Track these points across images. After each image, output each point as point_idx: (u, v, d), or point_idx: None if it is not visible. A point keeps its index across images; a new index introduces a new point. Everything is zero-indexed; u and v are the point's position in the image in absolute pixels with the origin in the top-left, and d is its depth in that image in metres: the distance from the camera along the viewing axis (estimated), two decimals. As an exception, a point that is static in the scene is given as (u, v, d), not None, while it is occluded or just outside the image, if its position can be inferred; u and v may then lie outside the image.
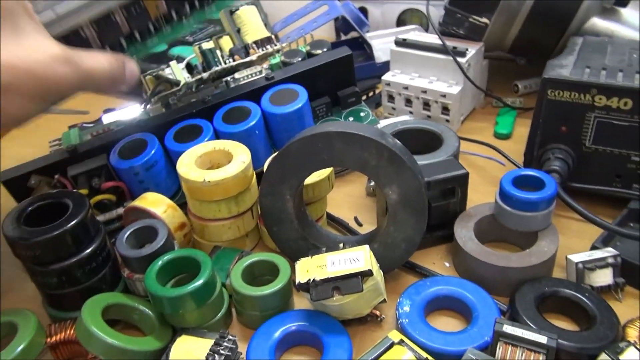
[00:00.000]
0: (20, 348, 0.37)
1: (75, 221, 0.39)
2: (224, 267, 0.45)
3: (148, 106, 0.58)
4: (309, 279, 0.39)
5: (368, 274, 0.38)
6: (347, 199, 0.55)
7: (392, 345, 0.37)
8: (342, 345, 0.38)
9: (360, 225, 0.52)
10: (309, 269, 0.40)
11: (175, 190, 0.53)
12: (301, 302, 0.44)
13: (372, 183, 0.55)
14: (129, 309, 0.41)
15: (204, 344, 0.38)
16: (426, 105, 0.63)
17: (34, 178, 0.49)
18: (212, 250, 0.47)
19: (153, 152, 0.50)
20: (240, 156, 0.46)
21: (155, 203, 0.46)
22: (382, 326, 0.42)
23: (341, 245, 0.41)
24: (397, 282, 0.45)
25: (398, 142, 0.42)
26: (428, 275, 0.45)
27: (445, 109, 0.62)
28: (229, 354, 0.37)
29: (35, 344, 0.38)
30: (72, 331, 0.39)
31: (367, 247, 0.40)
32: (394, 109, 0.66)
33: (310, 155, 0.42)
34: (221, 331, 0.38)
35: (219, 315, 0.41)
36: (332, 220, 0.52)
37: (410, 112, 0.64)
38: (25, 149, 0.59)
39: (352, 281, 0.38)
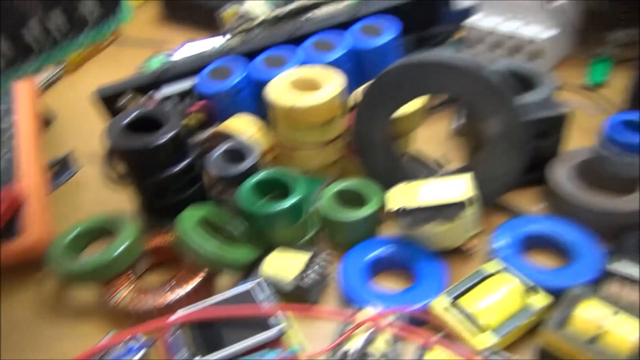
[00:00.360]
0: (122, 247, 0.38)
1: (173, 133, 0.39)
2: (312, 193, 0.44)
3: (228, 38, 0.57)
4: (403, 206, 0.38)
5: (467, 203, 0.37)
6: (432, 138, 0.54)
7: (488, 275, 0.36)
8: (436, 273, 0.38)
9: (444, 165, 0.51)
10: (403, 195, 0.39)
11: (262, 116, 0.53)
12: (390, 231, 0.43)
13: (457, 124, 0.54)
14: (222, 222, 0.42)
15: (298, 259, 0.38)
16: (513, 51, 0.61)
17: (128, 93, 0.49)
18: (298, 177, 0.46)
19: (240, 78, 0.49)
20: (333, 83, 0.45)
21: (243, 126, 0.46)
22: (474, 259, 0.41)
23: (438, 173, 0.40)
24: (488, 220, 0.44)
25: (500, 74, 0.40)
26: (520, 215, 0.43)
27: (534, 56, 0.59)
28: (322, 270, 0.38)
29: (136, 246, 0.39)
30: (169, 238, 0.40)
31: (469, 175, 0.39)
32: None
33: (409, 83, 0.40)
34: (316, 248, 0.39)
35: (308, 236, 0.41)
36: (417, 158, 0.51)
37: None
38: (109, 73, 0.60)
39: (449, 210, 0.37)
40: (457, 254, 0.41)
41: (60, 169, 0.52)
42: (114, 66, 0.71)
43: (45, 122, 0.59)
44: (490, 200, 0.43)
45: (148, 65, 0.60)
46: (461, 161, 0.50)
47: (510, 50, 0.61)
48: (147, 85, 0.50)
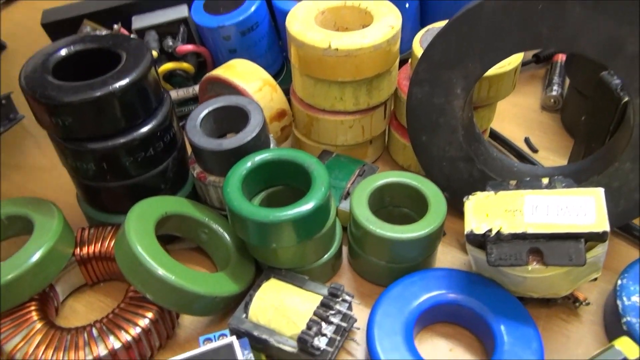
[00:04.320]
0: (36, 257, 0.24)
1: (128, 79, 0.25)
2: (338, 184, 0.30)
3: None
4: (491, 229, 0.23)
5: (600, 237, 0.22)
6: (514, 111, 0.38)
7: (622, 361, 0.22)
8: (527, 341, 0.23)
9: (534, 151, 0.35)
10: (490, 211, 0.24)
11: (277, 69, 0.37)
12: (449, 257, 0.29)
13: (555, 92, 0.38)
14: (195, 224, 0.28)
15: (305, 300, 0.24)
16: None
17: (86, 25, 0.35)
18: (319, 156, 0.32)
19: (254, 8, 0.34)
20: (387, 18, 0.29)
21: (247, 76, 0.31)
22: (580, 315, 0.26)
23: (545, 180, 0.25)
24: (611, 256, 0.29)
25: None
26: (662, 248, 0.28)
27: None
28: (342, 323, 0.23)
29: (58, 254, 0.25)
30: (111, 243, 0.27)
31: (601, 191, 0.23)
32: None
33: (518, 24, 0.25)
34: (333, 285, 0.24)
35: (326, 256, 0.27)
36: (495, 138, 0.36)
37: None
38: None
39: (568, 245, 0.23)
40: (551, 304, 0.26)
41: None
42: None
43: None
44: (620, 223, 0.28)
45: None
46: (553, 149, 0.35)
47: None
48: (117, 10, 0.35)
